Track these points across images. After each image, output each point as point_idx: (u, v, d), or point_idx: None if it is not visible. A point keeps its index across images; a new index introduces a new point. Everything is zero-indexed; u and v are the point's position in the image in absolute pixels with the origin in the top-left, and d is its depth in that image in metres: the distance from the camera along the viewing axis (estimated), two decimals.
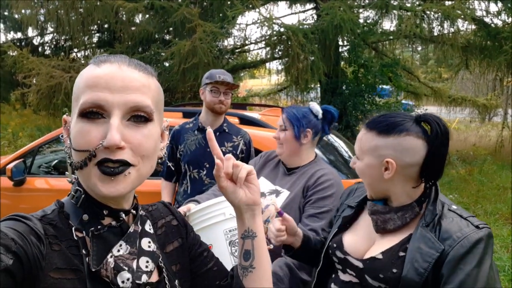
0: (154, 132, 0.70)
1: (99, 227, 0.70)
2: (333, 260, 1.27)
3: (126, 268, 0.69)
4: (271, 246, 1.67)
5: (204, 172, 2.32)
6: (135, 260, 0.71)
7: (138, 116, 0.67)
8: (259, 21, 6.93)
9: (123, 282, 0.68)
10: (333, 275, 1.27)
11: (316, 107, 1.90)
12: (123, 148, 0.65)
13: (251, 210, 0.84)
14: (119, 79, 0.66)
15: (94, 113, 0.65)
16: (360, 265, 1.16)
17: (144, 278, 0.71)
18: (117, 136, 0.63)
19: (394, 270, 1.08)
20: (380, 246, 1.17)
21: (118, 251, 0.70)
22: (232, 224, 1.56)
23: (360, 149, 1.19)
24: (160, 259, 0.78)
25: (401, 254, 1.10)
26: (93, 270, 0.66)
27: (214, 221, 1.56)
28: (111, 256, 0.68)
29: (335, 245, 1.25)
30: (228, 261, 1.51)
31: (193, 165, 2.34)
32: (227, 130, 2.40)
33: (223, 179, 0.81)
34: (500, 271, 3.54)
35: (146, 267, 0.73)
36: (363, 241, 1.22)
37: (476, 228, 1.05)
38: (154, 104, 0.70)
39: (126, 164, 0.65)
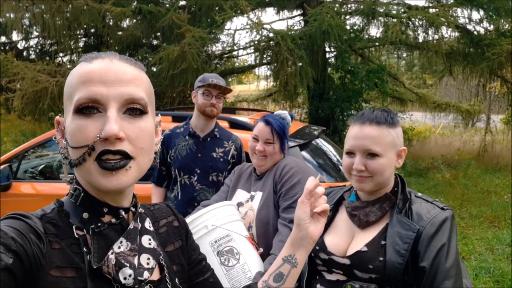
0: (150, 125, 0.71)
1: (99, 224, 0.70)
2: (315, 263, 1.28)
3: (128, 265, 0.69)
4: (261, 251, 1.68)
5: (195, 178, 2.31)
6: (136, 257, 0.71)
7: (134, 109, 0.68)
8: (248, 26, 6.97)
9: (125, 278, 0.68)
10: (317, 277, 1.28)
11: (288, 117, 1.91)
12: (122, 139, 0.65)
13: (307, 243, 0.89)
14: (112, 72, 0.67)
15: (90, 108, 0.65)
16: (347, 262, 1.19)
17: (146, 274, 0.71)
18: (115, 126, 0.63)
19: (381, 258, 1.14)
20: (361, 239, 1.22)
21: (119, 247, 0.70)
22: (216, 235, 1.57)
23: (382, 145, 1.19)
24: (161, 257, 0.78)
25: (383, 242, 1.17)
26: (95, 267, 0.66)
27: (198, 235, 1.56)
28: (112, 253, 0.68)
29: (317, 248, 1.26)
30: (220, 272, 1.51)
31: (184, 171, 2.32)
32: (218, 135, 2.39)
33: (310, 196, 0.90)
34: (485, 273, 3.61)
35: (148, 264, 0.72)
36: (343, 239, 1.26)
37: (441, 209, 1.19)
38: (147, 96, 0.71)
39: (126, 156, 0.66)
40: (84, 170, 0.66)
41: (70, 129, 0.66)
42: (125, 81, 0.67)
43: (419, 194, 1.27)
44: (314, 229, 0.89)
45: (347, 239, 1.25)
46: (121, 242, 0.70)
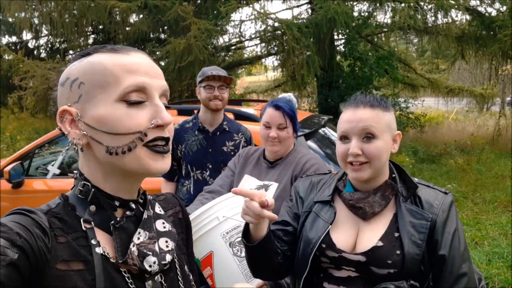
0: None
1: (118, 219, 0.71)
2: (320, 261, 1.19)
3: (150, 253, 0.71)
4: None
5: (208, 173, 2.30)
6: (156, 244, 0.74)
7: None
8: (253, 16, 6.92)
9: (150, 266, 0.70)
10: (322, 274, 1.20)
11: (293, 98, 1.89)
12: (165, 127, 0.71)
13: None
14: (152, 66, 0.72)
15: (136, 98, 0.69)
16: (361, 258, 1.12)
17: (168, 257, 0.74)
18: (169, 115, 0.70)
19: (398, 252, 1.10)
20: (371, 233, 1.15)
21: (138, 238, 0.72)
22: (228, 226, 1.56)
23: (379, 126, 1.13)
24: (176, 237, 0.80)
25: (396, 234, 1.12)
26: (120, 261, 0.68)
27: (209, 227, 1.56)
28: (133, 245, 0.70)
29: (324, 245, 1.17)
30: (232, 263, 1.52)
31: (196, 166, 2.31)
32: (227, 129, 2.36)
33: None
34: (499, 258, 3.57)
35: (167, 246, 0.75)
36: (349, 234, 1.18)
37: (444, 194, 1.17)
38: None
39: (168, 142, 0.72)
40: (132, 156, 0.67)
41: (114, 117, 0.66)
42: (160, 75, 0.73)
43: (416, 179, 1.22)
44: None
45: (353, 234, 1.18)
46: (139, 233, 0.72)
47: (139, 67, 0.69)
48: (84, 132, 0.68)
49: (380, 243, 1.11)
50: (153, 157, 0.69)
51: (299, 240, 1.25)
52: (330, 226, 1.18)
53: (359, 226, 1.18)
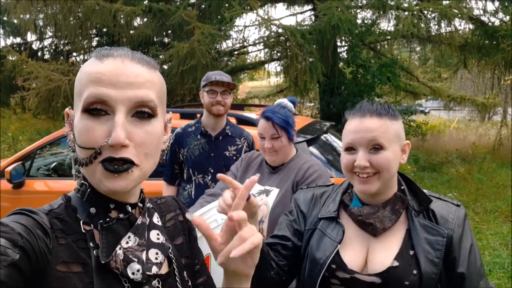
0: (157, 128, 0.70)
1: (107, 219, 0.70)
2: (330, 283, 1.10)
3: (136, 260, 0.69)
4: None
5: (209, 177, 2.29)
6: (144, 252, 0.71)
7: (142, 112, 0.67)
8: (257, 22, 6.95)
9: (133, 273, 0.68)
10: None
11: (289, 103, 1.86)
12: (127, 146, 0.65)
13: (239, 280, 0.73)
14: (123, 75, 0.65)
15: (98, 109, 0.64)
16: (377, 280, 1.04)
17: (154, 269, 0.71)
18: (122, 134, 0.63)
19: (415, 272, 1.03)
20: (385, 252, 1.08)
21: (127, 243, 0.70)
22: None
23: (387, 137, 1.06)
24: (170, 250, 0.78)
25: (411, 252, 1.05)
26: (103, 262, 0.66)
27: None
28: (120, 248, 0.68)
29: (334, 266, 1.09)
30: None
31: (198, 170, 2.31)
32: (230, 133, 2.35)
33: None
34: (500, 268, 3.55)
35: (156, 258, 0.73)
36: (359, 253, 1.10)
37: (457, 206, 1.11)
38: (158, 98, 0.70)
39: (129, 162, 0.65)
40: (89, 170, 0.66)
41: (78, 128, 0.66)
42: (136, 85, 0.66)
43: (426, 191, 1.15)
44: (242, 266, 0.70)
45: (363, 252, 1.10)
46: (129, 237, 0.70)
47: (102, 77, 0.64)
48: (72, 136, 0.70)
49: (396, 263, 1.04)
50: (105, 175, 0.65)
51: (304, 259, 1.17)
52: (339, 246, 1.10)
53: (368, 243, 1.10)
